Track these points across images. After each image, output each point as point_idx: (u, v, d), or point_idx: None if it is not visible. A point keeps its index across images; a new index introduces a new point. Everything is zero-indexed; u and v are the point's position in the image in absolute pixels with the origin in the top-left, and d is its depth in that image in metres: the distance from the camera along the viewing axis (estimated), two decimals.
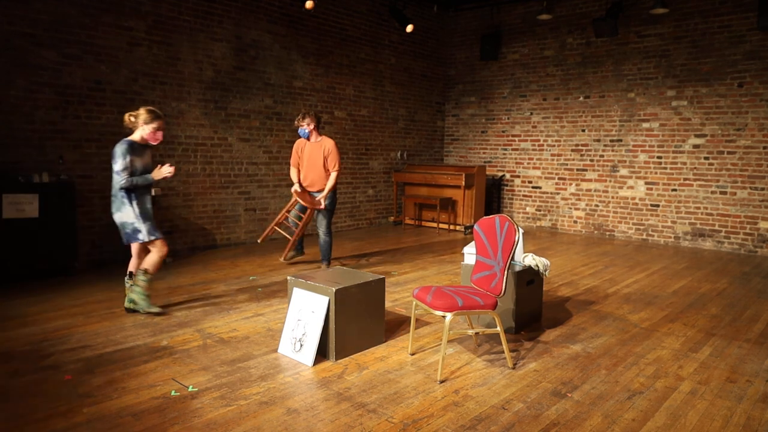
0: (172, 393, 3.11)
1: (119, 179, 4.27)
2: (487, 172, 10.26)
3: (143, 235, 4.38)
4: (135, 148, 4.33)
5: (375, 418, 2.86)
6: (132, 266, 4.60)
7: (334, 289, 3.54)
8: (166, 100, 6.82)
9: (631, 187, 8.91)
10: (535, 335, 4.21)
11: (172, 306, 4.78)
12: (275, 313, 4.65)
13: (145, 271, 4.44)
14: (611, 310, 4.91)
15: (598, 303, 5.14)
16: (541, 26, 9.71)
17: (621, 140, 8.97)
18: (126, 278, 4.61)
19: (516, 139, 10.23)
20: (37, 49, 5.76)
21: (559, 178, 9.72)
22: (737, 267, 6.88)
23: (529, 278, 4.33)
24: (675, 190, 8.47)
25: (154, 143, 4.47)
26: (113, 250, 6.48)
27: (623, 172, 8.99)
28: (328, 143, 5.94)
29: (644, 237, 8.81)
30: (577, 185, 9.52)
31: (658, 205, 8.65)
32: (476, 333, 3.98)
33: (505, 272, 3.42)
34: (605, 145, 9.16)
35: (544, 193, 9.93)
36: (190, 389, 3.16)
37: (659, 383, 3.38)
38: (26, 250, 5.42)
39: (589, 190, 9.38)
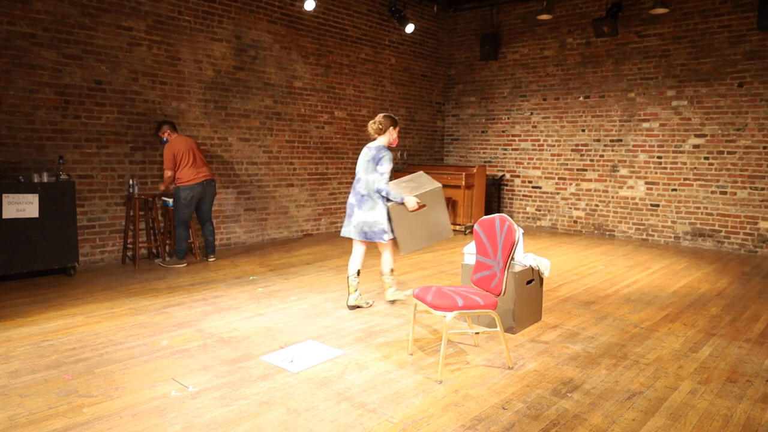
0: (172, 393, 3.11)
1: (382, 180, 4.52)
2: (487, 172, 10.26)
3: (387, 236, 4.64)
4: (391, 158, 4.66)
5: (375, 418, 2.86)
6: (356, 264, 4.78)
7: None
8: (166, 100, 6.82)
9: (631, 187, 8.91)
10: (535, 335, 4.21)
11: (172, 306, 4.78)
12: (275, 313, 4.65)
13: (391, 270, 4.87)
14: (611, 310, 4.91)
15: (598, 303, 5.14)
16: (541, 26, 9.71)
17: (621, 140, 8.97)
18: (353, 276, 4.74)
19: (516, 139, 10.23)
20: (37, 49, 5.76)
21: (559, 178, 9.72)
22: (737, 267, 6.88)
23: (529, 278, 4.33)
24: (675, 190, 8.47)
25: (395, 146, 5.01)
26: (113, 250, 6.48)
27: (623, 172, 9.00)
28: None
29: (644, 237, 8.81)
30: (577, 185, 9.52)
31: (658, 205, 8.65)
32: (476, 333, 3.98)
33: (505, 272, 3.42)
34: (605, 145, 9.16)
35: (544, 193, 9.93)
36: (190, 389, 3.16)
37: (659, 383, 3.38)
38: (26, 250, 5.42)
39: (589, 190, 9.38)
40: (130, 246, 6.52)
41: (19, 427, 2.72)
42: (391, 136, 4.70)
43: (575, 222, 9.58)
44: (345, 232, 4.80)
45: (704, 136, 8.17)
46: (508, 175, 10.37)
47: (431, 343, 3.97)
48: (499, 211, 10.32)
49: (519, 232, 3.50)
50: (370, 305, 4.88)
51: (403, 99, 10.21)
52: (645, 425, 2.85)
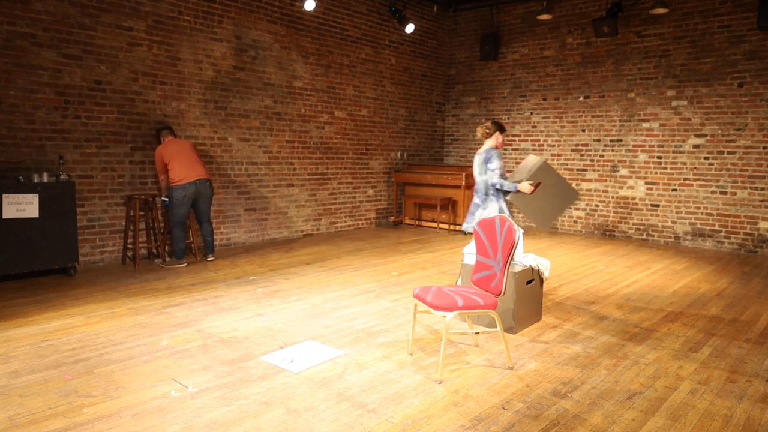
0: (172, 393, 3.11)
1: (495, 175, 4.91)
2: None
3: None
4: (499, 155, 5.04)
5: (375, 418, 2.86)
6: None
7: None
8: (166, 100, 6.82)
9: (631, 187, 8.91)
10: (535, 335, 4.21)
11: (172, 306, 4.78)
12: (275, 313, 4.65)
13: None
14: (611, 310, 4.91)
15: (598, 303, 5.14)
16: (541, 26, 9.71)
17: (621, 140, 8.97)
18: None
19: (516, 139, 10.23)
20: (37, 49, 5.76)
21: None
22: (737, 267, 6.88)
23: (529, 278, 4.33)
24: (675, 190, 8.47)
25: (500, 149, 5.21)
26: (113, 250, 6.48)
27: (623, 172, 8.99)
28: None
29: (644, 237, 8.81)
30: (577, 185, 9.52)
31: (658, 205, 8.65)
32: (476, 333, 3.98)
33: (505, 272, 3.42)
34: (605, 145, 9.16)
35: None
36: (190, 389, 3.16)
37: (659, 383, 3.38)
38: (26, 250, 5.42)
39: (589, 190, 9.38)
40: (130, 246, 6.52)
41: (19, 427, 2.72)
42: (497, 139, 5.13)
43: (575, 222, 9.58)
44: (466, 227, 5.22)
45: (704, 136, 8.17)
46: (508, 175, 10.36)
47: (431, 343, 3.97)
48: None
49: (519, 232, 3.50)
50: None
51: (403, 99, 10.21)
52: (645, 425, 2.85)
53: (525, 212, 5.22)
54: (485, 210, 5.07)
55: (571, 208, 9.58)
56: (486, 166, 5.02)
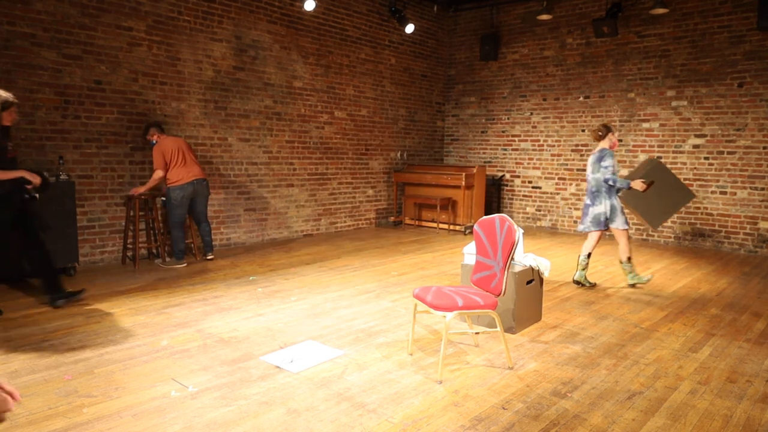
0: (172, 393, 3.11)
1: (608, 172, 5.32)
2: (487, 172, 10.26)
3: (616, 224, 5.50)
4: (612, 155, 5.46)
5: (375, 418, 2.86)
6: (588, 248, 5.65)
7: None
8: (165, 100, 6.82)
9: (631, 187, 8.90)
10: (535, 335, 4.21)
11: (172, 306, 4.78)
12: (275, 313, 4.65)
13: (629, 259, 5.60)
14: (611, 310, 4.91)
15: (598, 303, 5.14)
16: (541, 26, 9.71)
17: (621, 140, 8.97)
18: (584, 257, 5.63)
19: (516, 139, 10.23)
20: (37, 49, 5.76)
21: (559, 178, 9.72)
22: (737, 267, 6.88)
23: (529, 278, 4.33)
24: None
25: (614, 148, 5.67)
26: (113, 250, 6.48)
27: (623, 172, 8.99)
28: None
29: (644, 237, 8.81)
30: (577, 185, 9.52)
31: None
32: (476, 333, 3.98)
33: (505, 272, 3.42)
34: None
35: (544, 193, 9.93)
36: (190, 389, 3.16)
37: (659, 383, 3.38)
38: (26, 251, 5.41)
39: None
40: (130, 246, 6.52)
41: (19, 427, 2.72)
42: (610, 140, 5.56)
43: (575, 222, 9.57)
44: (581, 228, 5.72)
45: (704, 136, 8.17)
46: (508, 176, 10.37)
47: (431, 343, 3.97)
48: (499, 212, 10.32)
49: (519, 233, 3.50)
50: (593, 285, 5.70)
51: (403, 99, 10.21)
52: (645, 425, 2.85)
53: (636, 211, 5.55)
54: (596, 207, 5.50)
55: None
56: (599, 165, 5.41)
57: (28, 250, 4.59)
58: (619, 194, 5.52)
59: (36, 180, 4.48)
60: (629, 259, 5.61)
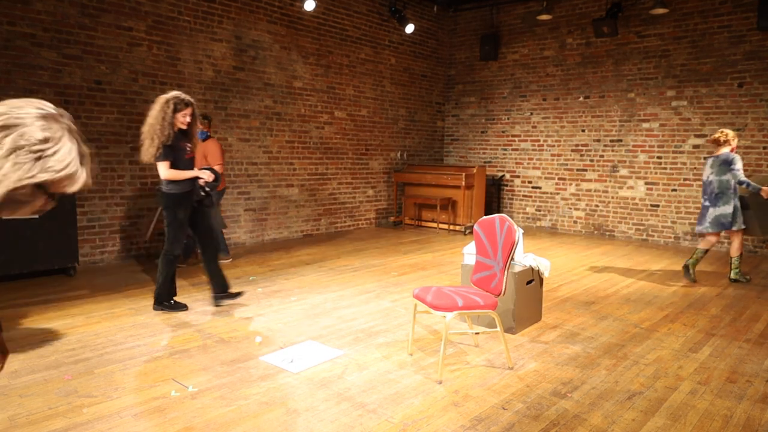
0: (172, 393, 3.11)
1: (741, 174, 5.57)
2: (487, 172, 10.26)
3: (737, 225, 5.68)
4: (740, 158, 5.68)
5: (375, 418, 2.86)
6: (707, 245, 5.95)
7: None
8: None
9: (631, 187, 8.91)
10: (535, 335, 4.21)
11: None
12: (275, 313, 4.65)
13: (740, 255, 5.92)
14: (611, 310, 4.91)
15: (598, 303, 5.14)
16: (541, 26, 9.71)
17: (621, 140, 8.97)
18: (736, 257, 5.90)
19: (516, 139, 10.23)
20: (37, 49, 5.76)
21: (559, 179, 9.72)
22: None
23: (529, 278, 4.33)
24: (675, 190, 8.47)
25: (734, 152, 5.78)
26: (113, 250, 6.48)
27: (623, 172, 9.00)
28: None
29: (644, 237, 8.81)
30: (577, 185, 9.52)
31: (658, 206, 8.65)
32: (476, 333, 3.98)
33: (505, 272, 3.42)
34: (605, 145, 9.16)
35: (544, 193, 9.93)
36: (190, 389, 3.16)
37: (659, 383, 3.38)
38: (26, 250, 5.42)
39: (589, 190, 9.38)
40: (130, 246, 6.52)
41: (19, 427, 2.72)
42: (729, 145, 5.77)
43: (575, 222, 9.58)
44: (699, 228, 5.90)
45: (704, 136, 8.16)
46: (507, 176, 10.37)
47: (431, 343, 3.97)
48: (499, 212, 10.32)
49: (519, 233, 3.50)
50: (748, 281, 6.00)
51: (403, 99, 10.21)
52: (645, 425, 2.85)
53: (755, 212, 5.80)
54: (718, 209, 5.70)
55: (572, 209, 9.58)
56: (728, 167, 5.64)
57: (203, 246, 4.71)
58: (744, 196, 5.83)
59: (209, 177, 4.55)
60: (740, 255, 5.93)
